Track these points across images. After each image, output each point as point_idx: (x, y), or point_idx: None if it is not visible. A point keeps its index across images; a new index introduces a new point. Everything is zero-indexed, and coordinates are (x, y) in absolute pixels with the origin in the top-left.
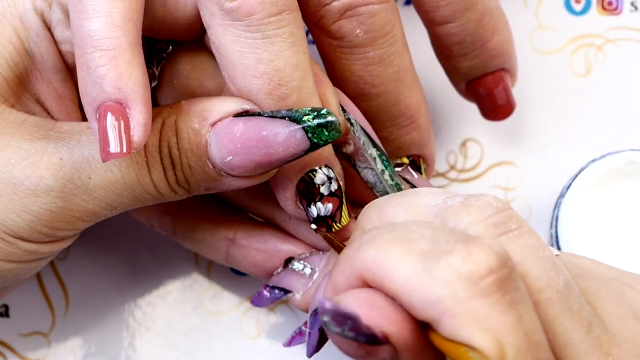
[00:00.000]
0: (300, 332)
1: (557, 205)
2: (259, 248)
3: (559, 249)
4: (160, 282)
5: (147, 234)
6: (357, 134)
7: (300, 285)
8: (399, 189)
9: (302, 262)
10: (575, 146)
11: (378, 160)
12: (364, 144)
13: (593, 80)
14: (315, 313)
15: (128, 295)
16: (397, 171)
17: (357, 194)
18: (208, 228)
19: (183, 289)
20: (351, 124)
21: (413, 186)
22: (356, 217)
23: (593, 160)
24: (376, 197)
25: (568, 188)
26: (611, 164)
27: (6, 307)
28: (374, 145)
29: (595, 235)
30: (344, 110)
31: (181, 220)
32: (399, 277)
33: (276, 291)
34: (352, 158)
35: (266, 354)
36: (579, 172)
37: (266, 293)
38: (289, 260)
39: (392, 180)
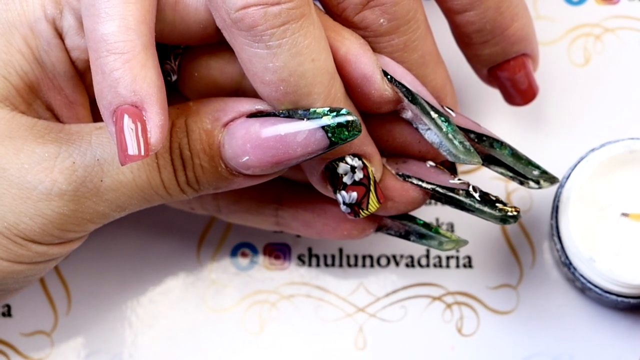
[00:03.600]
0: None
1: (556, 195)
2: (306, 207)
3: (559, 239)
4: (162, 280)
5: (148, 232)
6: (410, 101)
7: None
8: (464, 146)
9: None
10: (575, 136)
11: (438, 121)
12: (420, 109)
13: (592, 69)
14: None
15: (130, 293)
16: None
17: (397, 147)
18: (253, 196)
19: (185, 286)
20: (403, 92)
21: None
22: (397, 173)
23: (592, 150)
24: (442, 156)
25: (567, 178)
26: (610, 152)
27: (8, 306)
28: (432, 108)
29: (595, 225)
30: (394, 80)
31: (224, 196)
32: None
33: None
34: (413, 122)
35: (269, 350)
36: (579, 162)
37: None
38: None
39: (456, 139)
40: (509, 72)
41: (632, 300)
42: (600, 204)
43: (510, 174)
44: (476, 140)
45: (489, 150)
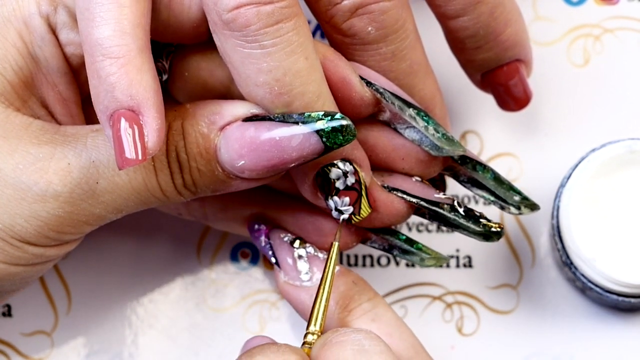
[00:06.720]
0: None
1: (557, 195)
2: (288, 220)
3: (560, 239)
4: (163, 279)
5: (148, 231)
6: (389, 101)
7: (288, 269)
8: (447, 139)
9: (305, 250)
10: (575, 136)
11: (418, 118)
12: (399, 107)
13: (592, 70)
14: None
15: (130, 292)
16: None
17: (381, 162)
18: (238, 205)
19: (185, 285)
20: (380, 93)
21: None
22: (382, 185)
23: (593, 150)
24: (425, 152)
25: (568, 178)
26: (611, 153)
27: (9, 306)
28: (409, 105)
29: (596, 225)
30: (369, 83)
31: (210, 203)
32: None
33: (270, 252)
34: (391, 123)
35: None
36: (579, 162)
37: (264, 240)
38: (295, 240)
39: (438, 132)
40: (502, 77)
41: (632, 300)
42: (601, 204)
43: (492, 198)
44: (459, 162)
45: (471, 172)
